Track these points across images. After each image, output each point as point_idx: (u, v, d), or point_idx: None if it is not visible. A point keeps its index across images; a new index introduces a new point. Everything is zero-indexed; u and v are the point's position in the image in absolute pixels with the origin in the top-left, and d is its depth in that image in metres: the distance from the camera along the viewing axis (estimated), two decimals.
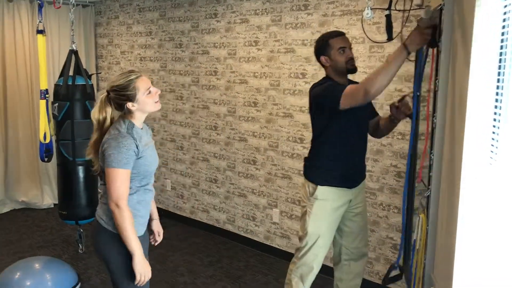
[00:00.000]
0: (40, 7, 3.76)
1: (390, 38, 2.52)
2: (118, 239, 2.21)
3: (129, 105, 2.21)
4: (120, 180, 2.14)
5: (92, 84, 3.94)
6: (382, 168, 3.44)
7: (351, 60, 2.65)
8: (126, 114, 2.25)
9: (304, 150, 3.87)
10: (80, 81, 3.81)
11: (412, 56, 2.49)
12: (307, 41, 3.76)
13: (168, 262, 4.13)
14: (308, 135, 3.80)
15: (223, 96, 4.48)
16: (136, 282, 2.24)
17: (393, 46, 3.24)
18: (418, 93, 2.31)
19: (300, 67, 3.83)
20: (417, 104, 2.29)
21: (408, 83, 3.24)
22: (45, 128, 3.83)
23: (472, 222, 1.65)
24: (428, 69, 2.43)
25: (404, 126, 3.29)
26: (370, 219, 3.55)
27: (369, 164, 3.50)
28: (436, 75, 2.12)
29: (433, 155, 2.11)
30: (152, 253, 4.29)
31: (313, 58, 3.72)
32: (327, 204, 2.73)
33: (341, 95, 2.45)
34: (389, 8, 2.47)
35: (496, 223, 1.59)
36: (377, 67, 2.48)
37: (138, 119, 2.27)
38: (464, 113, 1.62)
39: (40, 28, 3.74)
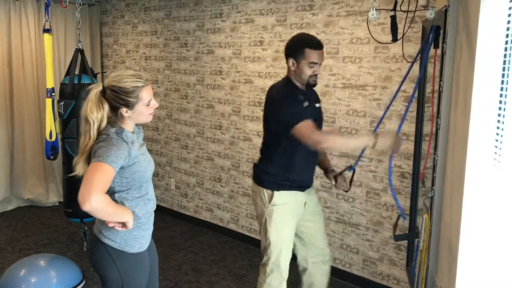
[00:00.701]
0: (47, 6, 3.78)
1: (395, 39, 2.52)
2: (118, 255, 2.06)
3: (123, 110, 2.01)
4: (101, 174, 1.85)
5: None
6: (386, 168, 3.45)
7: (315, 76, 2.60)
8: (115, 118, 2.05)
9: None
10: (86, 80, 3.83)
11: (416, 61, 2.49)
12: None
13: (172, 261, 4.15)
14: None
15: (228, 96, 4.50)
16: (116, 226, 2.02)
17: (398, 47, 3.24)
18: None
19: None
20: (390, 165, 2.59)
21: (413, 83, 3.24)
22: (51, 126, 3.85)
23: (475, 224, 1.65)
24: (431, 70, 2.43)
25: (408, 127, 3.30)
26: (373, 220, 3.56)
27: (372, 165, 3.50)
28: (441, 76, 2.12)
29: (437, 156, 2.11)
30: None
31: None
32: (286, 208, 2.67)
33: (296, 125, 2.45)
34: (394, 9, 2.48)
35: (499, 225, 1.60)
36: (343, 136, 2.48)
37: (128, 125, 2.07)
38: (468, 114, 1.63)
39: (47, 27, 3.76)
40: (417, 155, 2.89)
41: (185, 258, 4.21)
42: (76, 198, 3.99)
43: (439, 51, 2.21)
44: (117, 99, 1.99)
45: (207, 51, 4.63)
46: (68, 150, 3.83)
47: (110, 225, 2.00)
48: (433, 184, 2.17)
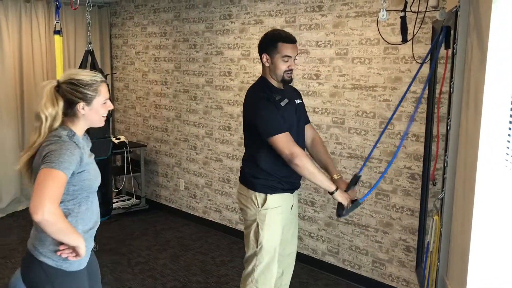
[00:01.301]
0: (58, 8, 3.81)
1: (405, 40, 2.51)
2: (55, 274, 1.88)
3: (80, 106, 1.90)
4: (55, 182, 1.72)
5: (107, 84, 3.97)
6: (396, 169, 3.43)
7: (290, 71, 2.56)
8: (64, 119, 1.93)
9: None
10: None
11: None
12: (321, 43, 3.76)
13: (181, 261, 4.16)
14: (322, 136, 3.81)
15: (236, 97, 4.50)
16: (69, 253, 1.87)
17: (407, 48, 3.23)
18: (359, 175, 2.66)
19: (314, 68, 3.83)
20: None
21: (423, 84, 3.22)
22: None
23: (487, 225, 1.64)
24: (441, 70, 2.42)
25: (418, 128, 3.28)
26: (383, 221, 3.55)
27: (382, 166, 3.49)
28: (451, 77, 2.11)
29: (447, 158, 2.10)
30: (165, 252, 4.34)
31: (327, 59, 3.74)
32: (279, 211, 2.63)
33: (273, 135, 2.45)
34: (404, 10, 2.47)
35: (511, 226, 1.59)
36: (316, 167, 2.49)
37: (79, 129, 1.97)
38: (480, 115, 1.62)
39: (57, 28, 3.79)
40: (427, 156, 2.88)
41: (194, 259, 4.22)
42: None
43: (450, 52, 2.20)
44: (75, 92, 1.89)
45: (216, 52, 4.64)
46: None
47: (64, 255, 1.86)
48: (443, 186, 2.16)
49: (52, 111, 1.86)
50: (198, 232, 4.87)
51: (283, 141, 2.45)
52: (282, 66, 2.52)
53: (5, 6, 5.07)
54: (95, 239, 4.37)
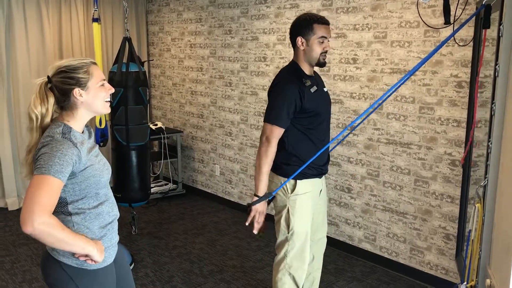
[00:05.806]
0: None
1: (447, 22, 2.43)
2: (77, 273, 1.80)
3: (76, 92, 1.78)
4: (45, 190, 1.60)
5: (145, 71, 4.02)
6: (436, 156, 3.35)
7: (325, 53, 2.55)
8: (62, 113, 1.82)
9: (354, 137, 3.82)
10: (133, 68, 3.91)
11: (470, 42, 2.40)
12: (358, 26, 3.68)
13: (217, 246, 4.21)
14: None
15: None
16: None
17: (449, 31, 3.13)
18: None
19: (351, 52, 3.77)
20: None
21: (465, 68, 3.12)
22: (100, 114, 3.95)
23: None
24: (487, 53, 2.33)
25: (459, 113, 3.19)
26: (422, 208, 3.48)
27: (421, 152, 3.42)
28: (496, 60, 2.03)
29: (491, 144, 2.03)
30: (201, 236, 4.41)
31: (365, 43, 3.67)
32: (308, 196, 2.63)
33: (272, 123, 2.52)
34: None
35: None
36: (264, 171, 2.54)
37: (79, 121, 1.83)
38: None
39: (96, 16, 3.86)
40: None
41: (230, 243, 4.26)
42: (124, 184, 4.09)
43: (494, 34, 2.11)
44: (66, 80, 1.77)
45: (251, 37, 4.62)
46: (117, 137, 3.93)
47: (82, 258, 1.78)
48: (486, 173, 2.10)
49: (41, 109, 1.76)
50: (233, 217, 4.91)
51: (273, 132, 2.51)
52: (318, 48, 2.52)
53: None
54: (134, 223, 4.48)
